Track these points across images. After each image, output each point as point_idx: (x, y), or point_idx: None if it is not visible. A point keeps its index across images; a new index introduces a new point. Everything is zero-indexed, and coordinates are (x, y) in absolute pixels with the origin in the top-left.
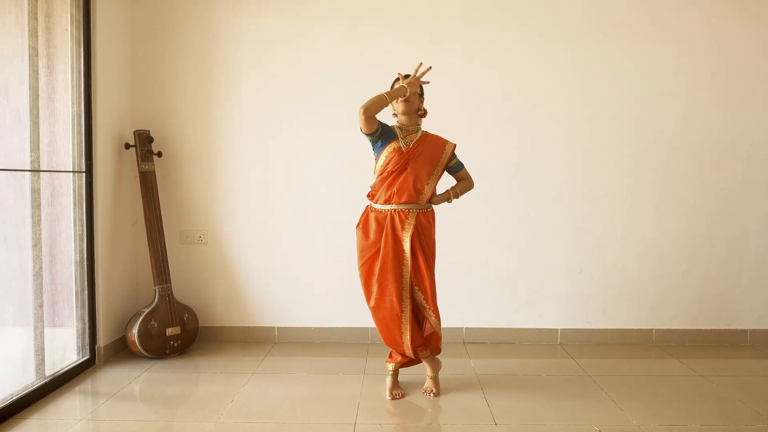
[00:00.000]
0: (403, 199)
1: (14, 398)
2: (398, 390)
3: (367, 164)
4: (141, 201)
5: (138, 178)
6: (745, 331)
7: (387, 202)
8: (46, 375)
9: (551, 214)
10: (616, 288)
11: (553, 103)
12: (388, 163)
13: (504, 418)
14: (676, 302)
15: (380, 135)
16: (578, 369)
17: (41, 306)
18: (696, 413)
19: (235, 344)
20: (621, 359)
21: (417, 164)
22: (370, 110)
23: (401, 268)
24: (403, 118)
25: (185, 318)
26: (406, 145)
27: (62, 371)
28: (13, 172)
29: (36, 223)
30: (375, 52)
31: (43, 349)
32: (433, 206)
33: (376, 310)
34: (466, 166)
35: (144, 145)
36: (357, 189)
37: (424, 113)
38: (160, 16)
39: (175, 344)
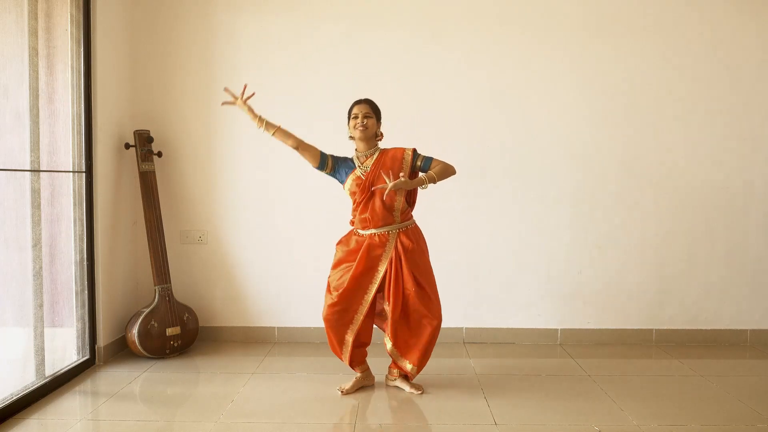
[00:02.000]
0: (380, 223)
1: (14, 398)
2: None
3: None
4: (141, 201)
5: (138, 178)
6: (745, 331)
7: (365, 228)
8: (46, 375)
9: (551, 214)
10: (616, 288)
11: (553, 104)
12: (354, 194)
13: (504, 418)
14: (676, 302)
15: (333, 169)
16: (578, 369)
17: (41, 306)
18: (696, 413)
19: (235, 344)
20: (621, 359)
21: (379, 185)
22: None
23: (368, 288)
24: (360, 145)
25: (185, 318)
26: (363, 171)
27: (62, 371)
28: (13, 172)
29: (36, 223)
30: (375, 51)
31: (43, 349)
32: (416, 223)
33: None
34: (442, 158)
35: (144, 145)
36: None
37: (380, 137)
38: (160, 16)
39: (175, 344)
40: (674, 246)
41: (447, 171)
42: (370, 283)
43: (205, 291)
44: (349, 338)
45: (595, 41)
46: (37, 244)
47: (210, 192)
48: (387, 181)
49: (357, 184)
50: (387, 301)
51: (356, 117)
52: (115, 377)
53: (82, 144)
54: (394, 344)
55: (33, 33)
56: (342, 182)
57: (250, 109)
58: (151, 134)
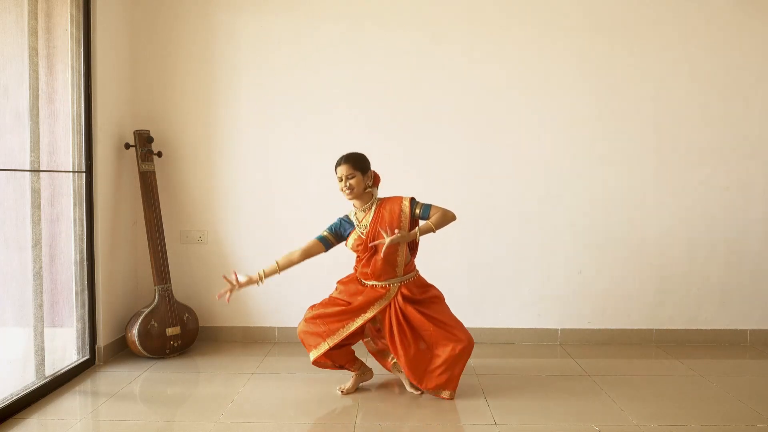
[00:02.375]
0: (382, 277)
1: (14, 398)
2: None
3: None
4: (141, 201)
5: (138, 178)
6: (745, 331)
7: (367, 279)
8: (46, 375)
9: (551, 214)
10: (616, 288)
11: (553, 103)
12: (356, 250)
13: (504, 418)
14: (676, 302)
15: (338, 239)
16: (578, 369)
17: (41, 306)
18: (696, 413)
19: (235, 344)
20: (621, 359)
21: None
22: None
23: (346, 324)
24: (355, 202)
25: (185, 318)
26: (362, 230)
27: (62, 371)
28: (13, 172)
29: (36, 223)
30: (375, 51)
31: (43, 349)
32: (418, 273)
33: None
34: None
35: (144, 145)
36: None
37: (377, 182)
38: (160, 16)
39: (175, 344)
40: (674, 246)
41: (446, 218)
42: (352, 320)
43: (205, 291)
44: (312, 356)
45: (596, 40)
46: (37, 244)
47: (210, 192)
48: (384, 236)
49: (358, 244)
50: (393, 353)
51: (341, 179)
52: (115, 377)
53: (82, 144)
54: (427, 387)
55: (33, 33)
56: (344, 239)
57: (249, 280)
58: (151, 134)
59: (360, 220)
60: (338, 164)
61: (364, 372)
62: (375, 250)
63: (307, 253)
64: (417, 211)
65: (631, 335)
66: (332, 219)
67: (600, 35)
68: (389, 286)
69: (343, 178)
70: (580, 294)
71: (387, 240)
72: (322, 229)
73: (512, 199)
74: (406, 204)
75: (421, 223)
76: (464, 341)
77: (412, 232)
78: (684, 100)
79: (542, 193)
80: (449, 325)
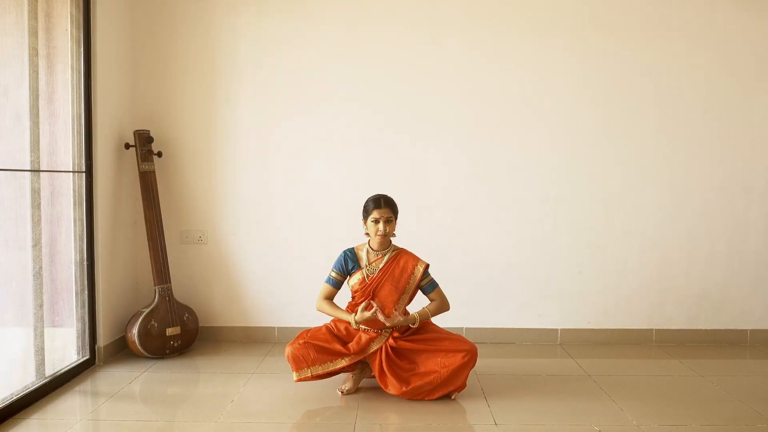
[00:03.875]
0: (373, 327)
1: (14, 398)
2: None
3: (366, 165)
4: (141, 201)
5: (138, 178)
6: (745, 331)
7: (358, 323)
8: (46, 375)
9: (551, 214)
10: (616, 288)
11: (553, 103)
12: (355, 292)
13: (504, 418)
14: (676, 302)
15: (346, 276)
16: (578, 369)
17: (41, 306)
18: (696, 413)
19: (235, 344)
20: (621, 359)
21: (381, 294)
22: (321, 312)
23: (334, 360)
24: (374, 243)
25: (185, 318)
26: (369, 273)
27: (62, 371)
28: (13, 172)
29: (36, 223)
30: (375, 51)
31: (43, 349)
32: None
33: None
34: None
35: (144, 145)
36: (356, 189)
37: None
38: (160, 16)
39: (175, 344)
40: (674, 246)
41: (442, 309)
42: (341, 358)
43: (205, 291)
44: (296, 377)
45: (595, 41)
46: (37, 244)
47: (210, 192)
48: (380, 315)
49: (360, 287)
50: (383, 388)
51: (377, 221)
52: (115, 377)
53: (82, 144)
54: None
55: (33, 33)
56: (350, 275)
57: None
58: (151, 134)
59: (370, 261)
60: (377, 206)
61: (363, 368)
62: (373, 296)
63: (331, 299)
64: (423, 282)
65: (631, 335)
66: (331, 217)
67: (601, 35)
68: (381, 332)
69: (381, 221)
70: (580, 294)
71: (383, 320)
72: (329, 270)
73: (512, 199)
74: (419, 270)
75: (420, 304)
76: (463, 351)
77: (411, 317)
78: (685, 100)
79: (542, 192)
80: (447, 339)
